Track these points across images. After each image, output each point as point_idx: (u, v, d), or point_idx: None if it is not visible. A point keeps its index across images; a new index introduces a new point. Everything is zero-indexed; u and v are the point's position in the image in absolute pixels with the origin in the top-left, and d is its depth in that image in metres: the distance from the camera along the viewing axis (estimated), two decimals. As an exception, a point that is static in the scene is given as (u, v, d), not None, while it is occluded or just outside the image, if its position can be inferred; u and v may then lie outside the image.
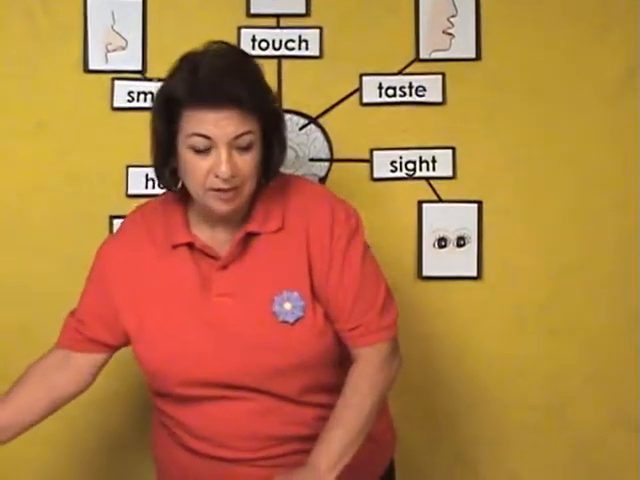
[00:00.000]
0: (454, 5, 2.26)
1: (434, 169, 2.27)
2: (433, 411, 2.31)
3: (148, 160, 2.22)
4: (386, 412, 1.91)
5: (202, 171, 1.66)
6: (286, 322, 1.71)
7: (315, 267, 1.74)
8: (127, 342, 1.82)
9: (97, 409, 2.27)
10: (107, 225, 2.25)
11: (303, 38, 2.25)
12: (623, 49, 2.26)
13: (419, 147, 2.27)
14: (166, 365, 1.74)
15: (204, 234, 1.77)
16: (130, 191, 2.25)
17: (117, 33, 2.25)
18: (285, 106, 2.24)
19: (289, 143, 2.11)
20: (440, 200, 2.27)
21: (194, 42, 2.24)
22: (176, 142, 1.69)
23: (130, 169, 2.25)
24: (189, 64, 1.68)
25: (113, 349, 1.86)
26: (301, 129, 2.27)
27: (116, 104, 2.25)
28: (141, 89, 2.25)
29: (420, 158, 2.26)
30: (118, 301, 1.79)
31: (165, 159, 1.73)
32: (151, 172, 2.20)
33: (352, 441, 1.69)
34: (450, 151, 2.27)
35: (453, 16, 2.26)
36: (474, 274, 2.27)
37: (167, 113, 1.67)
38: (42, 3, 2.24)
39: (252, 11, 2.25)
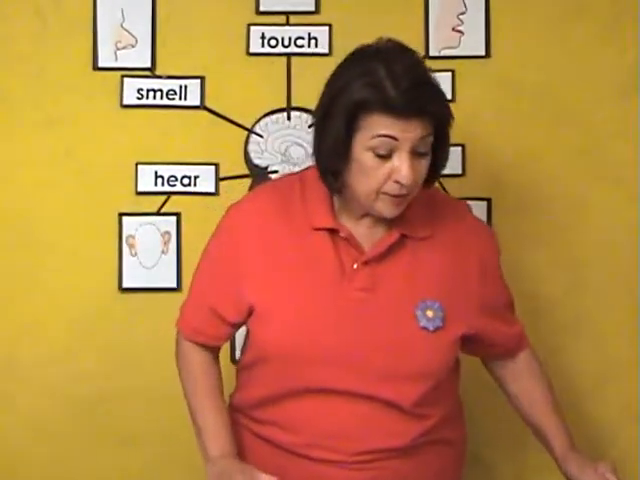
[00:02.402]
0: (463, 2, 2.26)
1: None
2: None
3: (157, 157, 2.26)
4: (464, 418, 1.92)
5: (382, 175, 1.64)
6: (426, 329, 1.71)
7: (465, 287, 1.77)
8: (245, 320, 1.79)
9: (104, 406, 2.27)
10: (116, 222, 2.25)
11: (312, 35, 2.25)
12: (633, 46, 2.25)
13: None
14: (289, 346, 1.71)
15: (348, 224, 1.75)
16: (139, 188, 2.25)
17: (126, 31, 2.25)
18: (294, 104, 2.25)
19: (298, 140, 2.12)
20: (449, 198, 2.27)
21: (203, 40, 2.27)
22: (351, 144, 1.64)
23: (139, 166, 2.25)
24: (377, 68, 1.62)
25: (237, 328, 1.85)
26: (310, 127, 2.26)
27: (125, 101, 2.25)
28: (150, 86, 2.25)
29: (429, 155, 2.26)
30: (248, 270, 1.75)
31: (336, 161, 1.67)
32: (160, 169, 2.25)
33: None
34: (459, 148, 2.26)
35: (462, 13, 2.26)
36: (483, 272, 2.27)
37: (348, 115, 1.63)
38: (52, 1, 2.24)
39: (261, 8, 2.25)
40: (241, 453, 1.80)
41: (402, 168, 1.63)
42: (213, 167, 2.26)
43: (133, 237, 2.26)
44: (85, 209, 2.26)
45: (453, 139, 2.22)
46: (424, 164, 1.67)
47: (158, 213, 2.26)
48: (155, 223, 2.26)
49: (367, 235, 1.75)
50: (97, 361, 2.27)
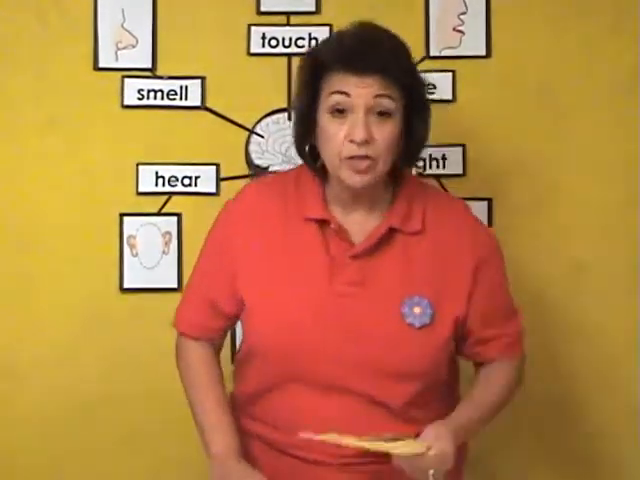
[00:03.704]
0: (464, 2, 2.26)
1: (444, 167, 2.26)
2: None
3: (158, 157, 2.26)
4: None
5: (338, 138, 1.66)
6: (412, 325, 1.70)
7: (457, 284, 1.74)
8: (240, 312, 1.79)
9: (104, 406, 2.27)
10: (117, 223, 2.25)
11: (313, 36, 2.25)
12: (634, 45, 2.25)
13: (429, 145, 2.23)
14: (273, 340, 1.71)
15: (340, 215, 1.76)
16: (140, 189, 2.25)
17: (127, 31, 2.25)
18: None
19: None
20: (450, 198, 2.27)
21: (204, 40, 2.27)
22: (316, 112, 1.69)
23: (140, 167, 2.25)
24: (337, 35, 1.75)
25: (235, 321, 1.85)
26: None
27: (126, 102, 2.25)
28: (151, 87, 2.25)
29: (430, 156, 2.26)
30: (240, 263, 1.76)
31: (305, 130, 1.73)
32: (161, 169, 2.25)
33: (478, 421, 1.74)
34: (460, 149, 2.26)
35: (463, 13, 2.26)
36: (484, 272, 2.27)
37: (311, 78, 1.70)
38: (53, 1, 2.24)
39: (262, 9, 2.25)
40: (259, 463, 1.79)
41: (355, 126, 1.65)
42: (214, 167, 2.26)
43: (134, 237, 2.26)
44: (86, 209, 2.26)
45: (454, 139, 2.27)
46: (389, 128, 1.67)
47: (159, 213, 2.26)
48: (156, 223, 2.26)
49: (358, 227, 1.75)
50: (98, 361, 2.27)
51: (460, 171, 2.27)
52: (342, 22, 2.22)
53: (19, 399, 2.27)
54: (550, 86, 2.26)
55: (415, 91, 1.72)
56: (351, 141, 1.65)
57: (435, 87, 2.25)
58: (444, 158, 2.26)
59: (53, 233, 2.26)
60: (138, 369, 2.25)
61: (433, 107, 2.23)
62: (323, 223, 1.74)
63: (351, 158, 1.66)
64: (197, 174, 2.26)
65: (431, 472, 1.61)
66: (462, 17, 2.26)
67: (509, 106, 2.26)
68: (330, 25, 2.24)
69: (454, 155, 2.27)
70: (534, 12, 2.26)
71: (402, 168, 1.79)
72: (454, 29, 2.26)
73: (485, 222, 2.25)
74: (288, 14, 2.26)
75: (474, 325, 1.77)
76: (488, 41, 2.25)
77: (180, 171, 2.26)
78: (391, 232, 1.74)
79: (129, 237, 2.25)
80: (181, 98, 2.25)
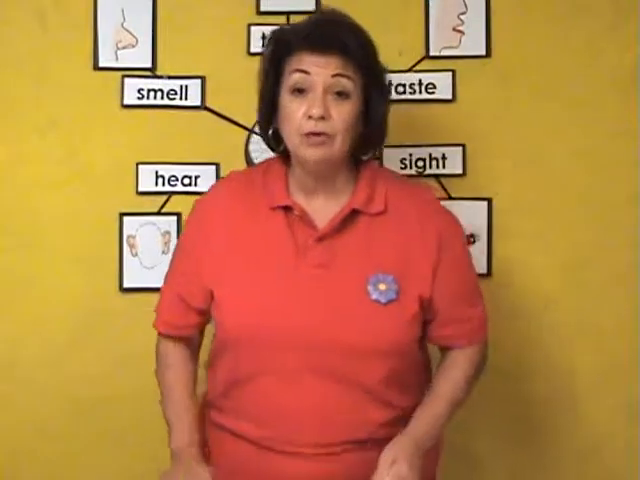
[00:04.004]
0: (464, 2, 2.26)
1: (444, 166, 2.26)
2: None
3: (158, 157, 2.26)
4: None
5: (297, 115, 1.71)
6: (378, 302, 1.72)
7: (421, 261, 1.77)
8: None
9: (104, 406, 2.27)
10: (117, 222, 2.25)
11: (313, 35, 2.25)
12: (634, 45, 2.25)
13: (429, 144, 2.26)
14: (241, 328, 1.74)
15: (303, 201, 1.79)
16: (140, 188, 2.26)
17: (127, 31, 2.25)
18: (295, 103, 2.25)
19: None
20: (450, 197, 2.27)
21: (204, 39, 2.27)
22: (279, 95, 1.75)
23: (140, 166, 2.26)
24: (302, 20, 1.81)
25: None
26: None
27: (126, 102, 2.25)
28: (151, 86, 2.25)
29: (430, 155, 2.26)
30: (208, 259, 1.80)
31: (269, 113, 1.79)
32: (161, 169, 2.26)
33: (440, 415, 1.76)
34: (460, 148, 2.26)
35: (463, 13, 2.26)
36: (484, 271, 2.27)
37: (274, 59, 1.76)
38: (53, 1, 2.24)
39: (262, 9, 2.25)
40: (213, 450, 1.83)
41: (313, 102, 1.70)
42: (214, 167, 2.26)
43: (134, 237, 2.26)
44: (86, 209, 2.26)
45: (454, 139, 2.27)
46: (346, 108, 1.72)
47: (159, 213, 2.26)
48: (156, 223, 2.26)
49: (321, 212, 1.78)
50: (97, 360, 2.27)
51: (460, 171, 2.27)
52: (342, 22, 2.25)
53: (19, 398, 2.27)
54: (550, 85, 2.26)
55: (374, 74, 1.77)
56: (309, 117, 1.70)
57: (435, 87, 2.25)
58: (444, 158, 2.26)
59: (53, 233, 2.26)
60: (138, 368, 2.25)
61: (433, 107, 2.27)
62: (288, 210, 1.78)
63: (309, 134, 1.71)
64: (197, 174, 2.26)
65: None
66: (462, 17, 2.26)
67: (509, 105, 2.26)
68: (330, 25, 2.25)
69: (454, 155, 2.27)
70: (534, 12, 2.26)
71: (364, 155, 1.84)
72: (454, 29, 2.26)
73: (485, 222, 2.27)
74: (288, 14, 2.25)
75: (441, 303, 1.79)
76: (488, 41, 2.25)
77: (180, 171, 2.26)
78: (354, 214, 1.78)
79: (129, 237, 2.25)
80: (181, 98, 2.25)
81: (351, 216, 1.77)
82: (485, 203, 2.27)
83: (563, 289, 2.29)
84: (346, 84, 1.72)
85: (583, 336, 2.30)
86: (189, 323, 1.86)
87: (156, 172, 2.26)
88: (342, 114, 1.71)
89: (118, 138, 2.26)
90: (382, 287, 1.73)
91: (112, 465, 2.29)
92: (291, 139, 1.74)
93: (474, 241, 2.27)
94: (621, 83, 2.27)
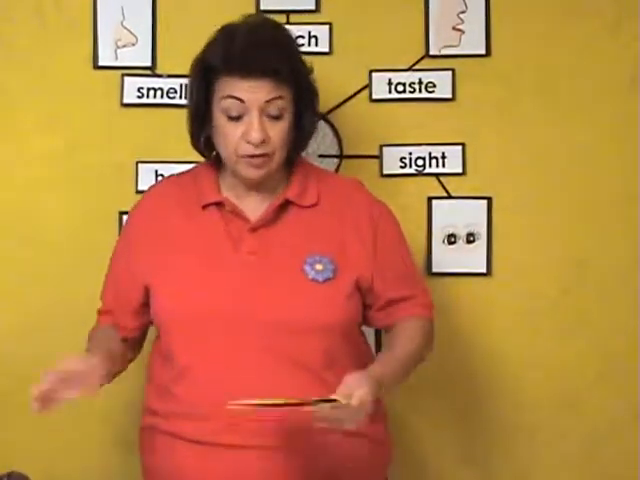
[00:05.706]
0: (464, 1, 2.26)
1: (444, 165, 2.26)
2: (442, 407, 2.31)
3: (158, 156, 2.26)
4: (385, 416, 1.89)
5: (234, 137, 1.73)
6: (315, 280, 1.75)
7: (357, 245, 1.80)
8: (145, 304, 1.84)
9: (104, 406, 2.27)
10: (117, 221, 2.25)
11: (313, 34, 2.25)
12: (634, 44, 2.25)
13: (429, 143, 2.26)
14: (178, 312, 1.76)
15: (237, 199, 1.82)
16: (140, 187, 2.25)
17: (127, 29, 2.25)
18: (295, 102, 2.25)
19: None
20: (450, 196, 2.27)
21: (204, 38, 2.24)
22: (211, 108, 1.76)
23: (140, 165, 2.26)
24: (225, 35, 1.78)
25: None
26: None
27: (126, 100, 2.26)
28: (151, 85, 2.26)
29: (430, 154, 2.26)
30: (141, 257, 1.82)
31: (200, 126, 1.80)
32: (160, 168, 2.25)
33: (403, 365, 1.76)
34: (460, 147, 2.26)
35: (463, 12, 2.26)
36: (484, 270, 2.27)
37: (203, 80, 1.77)
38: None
39: (262, 7, 2.25)
40: (149, 455, 1.85)
41: (250, 129, 1.72)
42: (213, 166, 2.26)
43: (133, 236, 2.25)
44: (86, 208, 2.27)
45: (453, 137, 2.27)
46: (281, 126, 1.75)
47: (158, 212, 2.26)
48: (155, 222, 2.26)
49: (255, 208, 1.81)
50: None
51: (460, 170, 2.27)
52: (341, 20, 2.26)
53: (18, 398, 2.27)
54: (549, 84, 2.26)
55: (304, 86, 1.79)
56: (248, 142, 1.73)
57: (435, 86, 2.25)
58: (444, 157, 2.26)
59: (52, 231, 2.27)
60: (137, 365, 2.25)
61: (432, 106, 2.27)
62: (221, 207, 1.81)
63: (248, 157, 1.74)
64: (196, 172, 2.26)
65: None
66: (462, 16, 2.26)
67: (509, 104, 2.26)
68: (330, 23, 2.25)
69: (453, 153, 2.26)
70: (533, 11, 2.26)
71: (295, 153, 1.85)
72: (454, 28, 2.26)
73: (484, 221, 2.26)
74: (288, 12, 2.26)
75: (381, 286, 1.81)
76: (488, 40, 2.25)
77: (180, 169, 2.24)
78: (287, 206, 1.81)
79: (128, 235, 2.25)
80: (181, 96, 2.25)
81: (285, 208, 1.81)
82: (485, 202, 2.27)
83: (563, 288, 2.29)
84: (280, 105, 1.74)
85: (583, 336, 2.30)
86: (126, 326, 1.88)
87: (156, 171, 2.26)
88: (279, 133, 1.75)
89: (118, 137, 2.26)
90: (319, 267, 1.76)
91: (112, 465, 2.30)
92: (228, 157, 1.77)
93: (473, 240, 2.27)
94: (620, 83, 2.27)
